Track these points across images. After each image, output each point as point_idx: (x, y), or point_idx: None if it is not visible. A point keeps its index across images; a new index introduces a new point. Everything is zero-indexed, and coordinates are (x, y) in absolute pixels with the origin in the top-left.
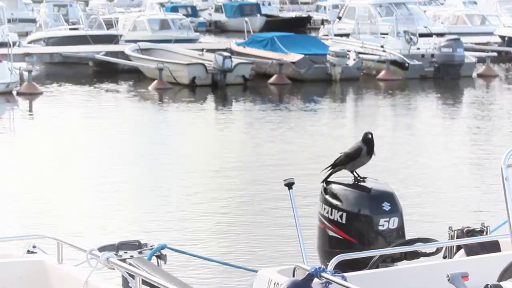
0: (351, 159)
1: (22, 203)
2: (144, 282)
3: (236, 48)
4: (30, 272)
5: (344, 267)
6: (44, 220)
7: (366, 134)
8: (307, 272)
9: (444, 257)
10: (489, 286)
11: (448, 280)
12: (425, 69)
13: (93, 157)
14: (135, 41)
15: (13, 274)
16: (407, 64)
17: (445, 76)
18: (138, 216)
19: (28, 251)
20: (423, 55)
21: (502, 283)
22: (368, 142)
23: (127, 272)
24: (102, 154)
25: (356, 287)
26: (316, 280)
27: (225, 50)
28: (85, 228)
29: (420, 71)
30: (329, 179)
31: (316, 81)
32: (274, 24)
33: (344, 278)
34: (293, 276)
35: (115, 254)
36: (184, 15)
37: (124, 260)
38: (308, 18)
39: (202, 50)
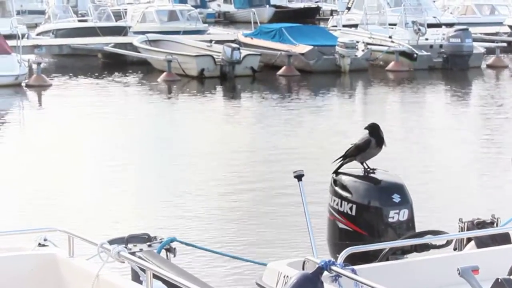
0: (361, 151)
1: (32, 196)
2: (154, 275)
3: (244, 40)
4: (41, 265)
5: (354, 259)
6: (54, 212)
7: (371, 126)
8: (317, 265)
9: (455, 249)
10: (499, 280)
11: (459, 274)
12: (434, 60)
13: (102, 150)
14: (144, 33)
15: (25, 267)
16: (415, 55)
17: (453, 67)
18: (147, 209)
19: (39, 244)
20: (431, 46)
21: None
22: (375, 133)
23: (138, 266)
24: (111, 147)
25: (365, 281)
26: (326, 273)
27: (233, 41)
28: (95, 221)
29: (429, 62)
30: (339, 171)
31: (325, 73)
32: (283, 14)
33: (354, 271)
34: (303, 269)
35: (124, 247)
36: (192, 6)
37: (134, 253)
38: (317, 9)
39: (210, 41)
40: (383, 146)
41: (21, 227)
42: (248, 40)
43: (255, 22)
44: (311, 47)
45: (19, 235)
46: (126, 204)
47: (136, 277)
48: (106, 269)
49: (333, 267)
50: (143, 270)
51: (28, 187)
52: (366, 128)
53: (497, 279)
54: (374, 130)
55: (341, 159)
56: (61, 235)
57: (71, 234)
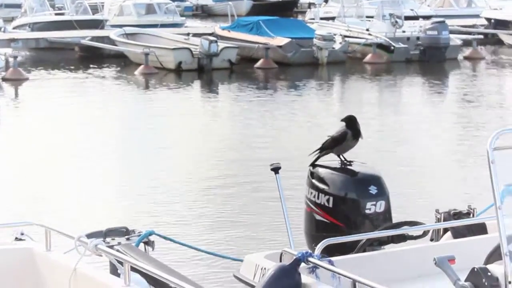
0: (337, 143)
1: (9, 190)
2: (133, 268)
3: (221, 33)
4: (18, 259)
5: (331, 251)
6: (31, 206)
7: (348, 118)
8: (294, 257)
9: (431, 240)
10: (475, 269)
11: (435, 263)
12: (411, 52)
13: (79, 143)
14: (121, 26)
15: (1, 262)
16: (392, 47)
17: (430, 59)
18: (125, 202)
19: (16, 238)
20: (408, 38)
21: (488, 266)
22: (352, 126)
23: (116, 259)
24: (88, 140)
25: (342, 272)
26: (303, 264)
27: (211, 34)
28: (72, 214)
29: (406, 54)
30: (316, 163)
31: (303, 65)
32: (261, 7)
33: (331, 263)
34: (280, 261)
35: (103, 240)
36: None
37: (112, 247)
38: (295, 2)
39: (188, 34)
40: (360, 139)
41: None
42: (225, 33)
43: (233, 15)
44: (289, 39)
45: None
46: (104, 197)
47: (114, 270)
48: (84, 263)
49: (310, 259)
50: (121, 263)
51: (4, 181)
52: (342, 120)
53: (473, 268)
54: (351, 122)
55: (318, 151)
56: (38, 229)
57: (48, 228)
